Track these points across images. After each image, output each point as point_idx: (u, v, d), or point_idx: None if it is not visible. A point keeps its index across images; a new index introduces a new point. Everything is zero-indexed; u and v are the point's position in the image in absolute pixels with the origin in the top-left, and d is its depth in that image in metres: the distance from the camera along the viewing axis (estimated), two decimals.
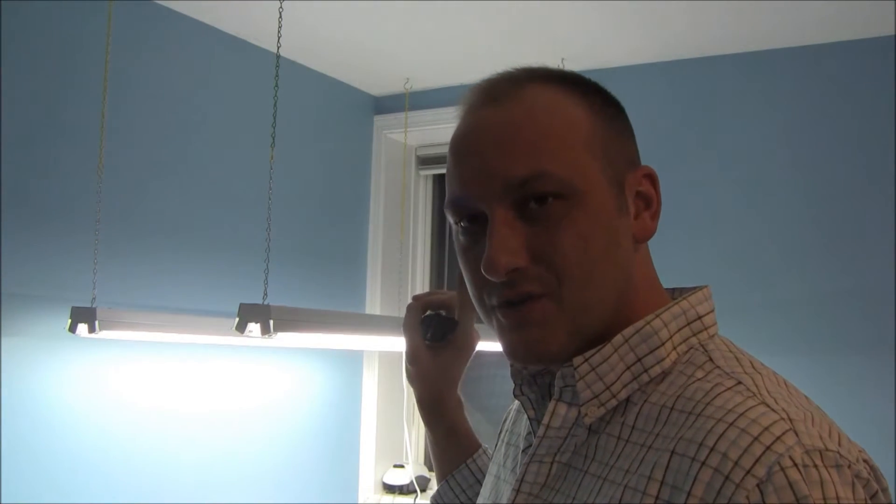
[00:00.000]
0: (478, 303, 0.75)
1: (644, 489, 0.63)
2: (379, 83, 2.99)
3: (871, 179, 2.34)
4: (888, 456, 2.13)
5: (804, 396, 0.69)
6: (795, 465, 0.58)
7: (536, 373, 0.81)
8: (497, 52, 2.58)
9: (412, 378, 1.05)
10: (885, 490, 0.63)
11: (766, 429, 0.61)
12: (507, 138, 0.70)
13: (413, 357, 1.03)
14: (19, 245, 1.94)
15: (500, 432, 0.94)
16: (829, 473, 0.59)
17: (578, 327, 0.70)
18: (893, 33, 2.32)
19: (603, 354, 0.70)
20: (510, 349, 0.72)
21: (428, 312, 1.04)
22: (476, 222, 0.72)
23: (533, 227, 0.69)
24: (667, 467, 0.63)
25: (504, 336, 0.72)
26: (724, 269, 2.48)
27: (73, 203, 2.05)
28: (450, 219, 0.75)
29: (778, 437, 0.60)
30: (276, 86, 1.83)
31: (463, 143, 0.73)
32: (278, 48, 1.86)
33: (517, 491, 0.74)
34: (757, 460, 0.59)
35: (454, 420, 1.05)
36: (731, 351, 0.72)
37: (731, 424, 0.62)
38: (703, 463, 0.61)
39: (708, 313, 0.75)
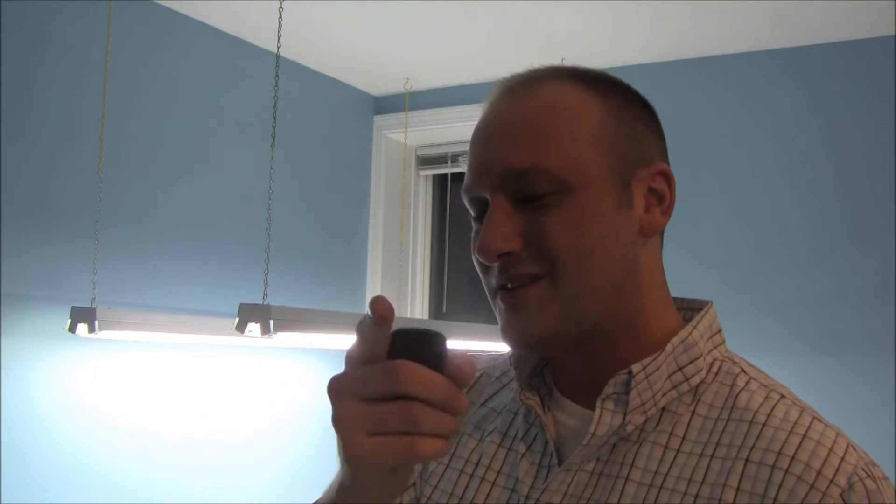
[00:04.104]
0: (485, 287, 0.76)
1: (720, 497, 0.65)
2: (379, 83, 2.98)
3: (870, 179, 2.34)
4: (888, 456, 2.13)
5: None
6: (869, 476, 0.65)
7: (532, 373, 0.80)
8: (497, 52, 2.58)
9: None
10: None
11: (835, 442, 0.66)
12: (512, 129, 0.72)
13: None
14: (19, 245, 1.94)
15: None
16: (885, 485, 0.66)
17: (572, 314, 0.71)
18: (893, 33, 2.32)
19: (657, 363, 0.71)
20: (503, 332, 0.73)
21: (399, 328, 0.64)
22: (484, 211, 0.73)
23: (528, 215, 0.70)
24: (742, 474, 0.66)
25: (501, 319, 0.73)
26: (724, 269, 2.48)
27: (73, 203, 2.05)
28: (468, 207, 0.77)
29: (846, 451, 0.66)
30: (276, 86, 1.83)
31: (476, 132, 0.75)
32: (278, 48, 1.86)
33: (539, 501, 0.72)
34: (837, 470, 0.64)
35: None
36: (751, 364, 0.75)
37: (805, 436, 0.66)
38: (786, 470, 0.64)
39: (721, 328, 0.77)
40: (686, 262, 2.47)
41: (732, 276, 2.47)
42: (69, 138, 2.06)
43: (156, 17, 2.28)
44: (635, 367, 0.70)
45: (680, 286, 0.80)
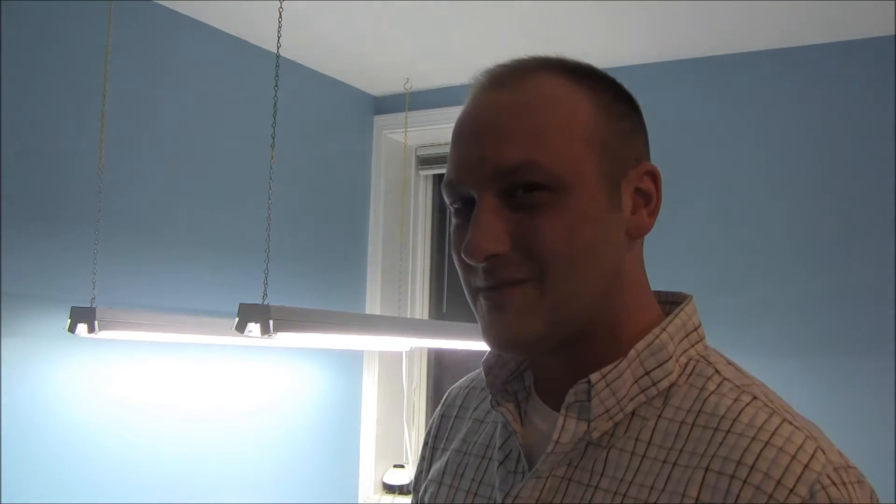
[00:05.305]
0: (465, 285, 0.73)
1: None
2: (379, 83, 2.98)
3: (870, 179, 2.33)
4: (888, 456, 2.13)
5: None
6: (833, 483, 0.61)
7: (506, 380, 0.79)
8: (497, 52, 2.58)
9: None
10: None
11: (800, 447, 0.63)
12: (503, 124, 0.69)
13: None
14: (19, 245, 1.94)
15: (434, 437, 0.89)
16: (856, 490, 0.62)
17: (558, 318, 0.69)
18: (893, 33, 2.32)
19: (619, 370, 0.69)
20: (485, 333, 0.71)
21: None
22: (468, 205, 0.71)
23: (518, 214, 0.68)
24: (701, 484, 0.63)
25: (483, 320, 0.71)
26: (723, 270, 2.48)
27: (73, 203, 2.05)
28: (446, 199, 0.74)
29: (812, 456, 0.62)
30: (276, 86, 1.82)
31: (462, 124, 0.73)
32: (278, 48, 1.86)
33: None
34: (798, 479, 0.61)
35: None
36: (729, 363, 0.73)
37: (767, 443, 0.63)
38: (745, 481, 0.62)
39: (699, 324, 0.75)
40: (685, 261, 2.47)
41: (724, 279, 2.47)
42: (69, 138, 2.06)
43: (156, 18, 2.28)
44: (594, 377, 0.69)
45: (670, 288, 0.79)
